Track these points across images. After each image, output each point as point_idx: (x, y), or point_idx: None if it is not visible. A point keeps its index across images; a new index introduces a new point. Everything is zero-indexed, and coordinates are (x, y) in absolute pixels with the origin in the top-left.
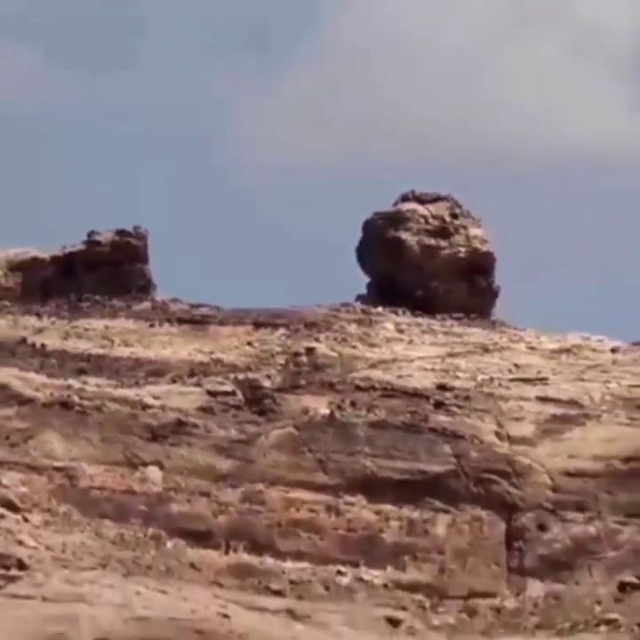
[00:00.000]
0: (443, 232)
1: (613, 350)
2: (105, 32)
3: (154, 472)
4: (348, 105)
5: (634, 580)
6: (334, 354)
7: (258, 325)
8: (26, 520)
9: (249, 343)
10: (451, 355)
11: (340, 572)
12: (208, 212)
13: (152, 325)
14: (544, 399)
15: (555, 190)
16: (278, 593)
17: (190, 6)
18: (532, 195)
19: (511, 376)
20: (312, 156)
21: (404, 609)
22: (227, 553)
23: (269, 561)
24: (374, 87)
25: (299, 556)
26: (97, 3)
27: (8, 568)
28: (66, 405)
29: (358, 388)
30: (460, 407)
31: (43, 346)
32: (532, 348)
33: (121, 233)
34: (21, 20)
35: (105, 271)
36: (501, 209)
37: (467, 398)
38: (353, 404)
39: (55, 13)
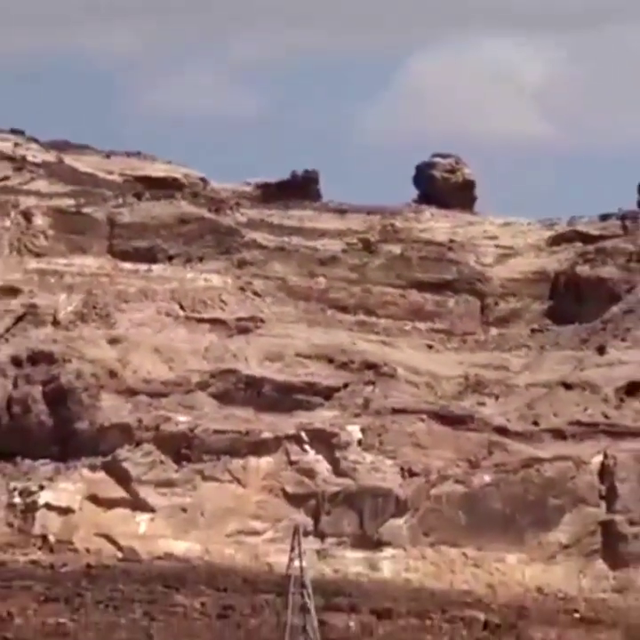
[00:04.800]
0: (452, 170)
1: (529, 224)
2: None
3: (321, 278)
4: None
5: (537, 328)
6: (403, 226)
7: (368, 213)
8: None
9: (365, 222)
10: (455, 226)
11: (406, 324)
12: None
13: (321, 213)
14: (497, 246)
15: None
16: (379, 337)
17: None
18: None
19: (482, 236)
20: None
21: (434, 340)
22: (355, 314)
23: (373, 319)
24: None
25: (387, 316)
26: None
27: (256, 323)
28: (282, 249)
29: (414, 241)
30: (458, 249)
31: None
32: (491, 223)
33: (307, 171)
34: None
35: (300, 189)
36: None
37: (462, 245)
38: (411, 248)
39: None
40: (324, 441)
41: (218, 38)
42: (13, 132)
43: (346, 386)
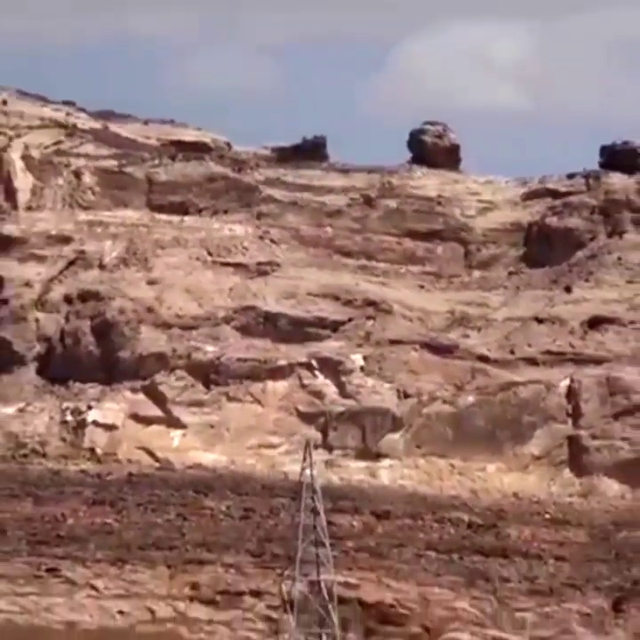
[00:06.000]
0: (440, 136)
1: (506, 182)
2: None
3: (328, 228)
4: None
5: (514, 271)
6: (398, 183)
7: (369, 172)
8: (279, 247)
9: (366, 180)
10: (443, 183)
11: (401, 268)
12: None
13: (328, 172)
14: (479, 200)
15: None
16: (378, 279)
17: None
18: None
19: (466, 192)
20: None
21: (425, 281)
22: (357, 259)
23: (373, 263)
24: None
25: (385, 261)
26: None
27: (273, 266)
28: (295, 204)
29: (408, 196)
30: (446, 203)
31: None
32: (474, 181)
33: (316, 137)
34: None
35: (310, 152)
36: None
37: (449, 200)
38: (406, 202)
39: None
40: (332, 367)
41: (240, 22)
42: (65, 103)
43: (350, 320)
